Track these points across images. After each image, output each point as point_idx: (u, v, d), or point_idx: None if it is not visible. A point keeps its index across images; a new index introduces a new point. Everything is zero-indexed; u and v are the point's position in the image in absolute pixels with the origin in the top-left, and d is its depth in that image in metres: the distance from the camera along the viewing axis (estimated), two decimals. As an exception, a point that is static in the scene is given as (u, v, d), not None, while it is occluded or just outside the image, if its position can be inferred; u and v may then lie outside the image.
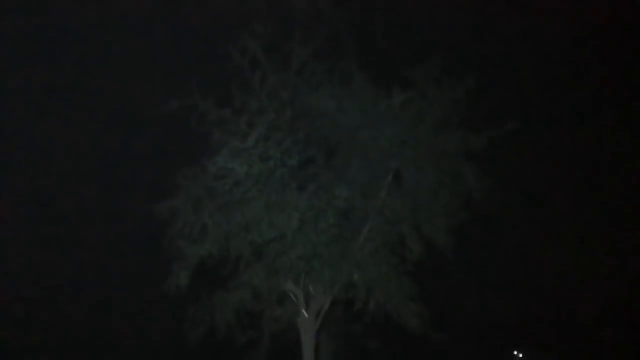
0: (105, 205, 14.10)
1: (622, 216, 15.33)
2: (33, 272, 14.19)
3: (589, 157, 15.27)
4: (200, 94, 8.87)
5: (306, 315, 9.47)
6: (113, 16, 13.06)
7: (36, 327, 14.34)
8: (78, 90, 13.61)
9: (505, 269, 15.25)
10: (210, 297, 9.42)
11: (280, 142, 8.77)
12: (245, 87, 9.09)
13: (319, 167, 9.34)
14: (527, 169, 14.31)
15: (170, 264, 9.09)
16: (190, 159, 9.06)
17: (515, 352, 18.30)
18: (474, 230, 10.35)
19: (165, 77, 12.33)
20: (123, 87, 13.34)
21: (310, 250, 8.85)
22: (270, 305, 9.43)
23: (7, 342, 13.77)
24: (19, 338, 13.98)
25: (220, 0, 10.54)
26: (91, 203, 14.24)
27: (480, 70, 9.57)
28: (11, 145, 13.59)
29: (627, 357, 15.83)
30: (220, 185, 8.85)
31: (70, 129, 13.92)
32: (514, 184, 12.87)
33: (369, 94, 9.26)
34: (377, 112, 9.12)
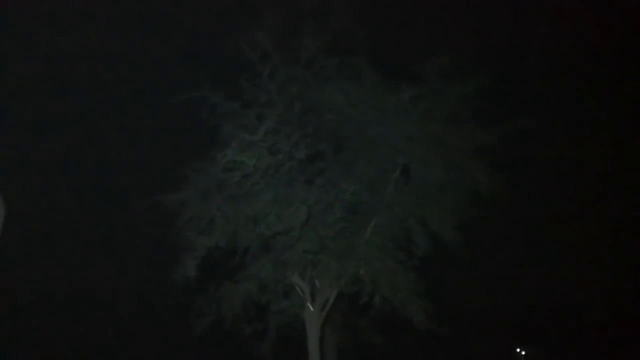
0: (115, 196, 14.22)
1: (631, 215, 15.24)
2: (41, 265, 14.34)
3: (598, 156, 15.18)
4: (211, 87, 8.88)
5: (312, 308, 9.51)
6: (127, 8, 13.10)
7: (43, 318, 14.49)
8: (91, 82, 13.69)
9: (511, 266, 15.24)
10: (217, 288, 9.47)
11: (289, 135, 8.78)
12: (255, 80, 9.10)
13: (327, 161, 9.36)
14: (535, 167, 14.26)
15: (179, 255, 9.15)
16: (199, 151, 9.10)
17: (519, 350, 18.31)
18: (481, 227, 10.35)
19: (176, 69, 12.39)
20: (135, 78, 13.40)
21: (317, 244, 8.88)
22: (277, 298, 9.47)
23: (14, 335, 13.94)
24: (27, 333, 14.14)
25: (231, -7, 10.51)
26: (102, 194, 14.35)
27: (491, 66, 9.54)
28: (18, 136, 13.70)
29: (630, 355, 15.79)
30: (229, 178, 8.88)
31: (82, 121, 14.02)
32: (522, 181, 12.84)
33: (378, 88, 9.24)
34: (386, 107, 9.11)
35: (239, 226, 8.97)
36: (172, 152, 12.01)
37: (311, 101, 9.35)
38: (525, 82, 13.56)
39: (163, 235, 9.60)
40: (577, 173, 15.13)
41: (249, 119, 8.87)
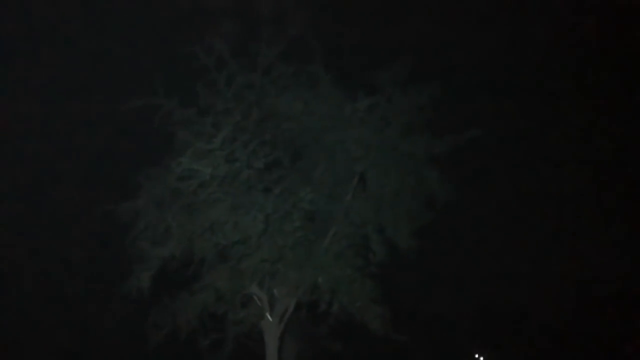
0: (67, 205, 13.74)
1: (583, 216, 15.81)
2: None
3: (550, 162, 15.72)
4: (165, 93, 8.73)
5: (270, 318, 9.43)
6: (78, 13, 12.76)
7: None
8: (41, 89, 13.23)
9: (466, 271, 15.55)
10: (172, 299, 9.28)
11: (246, 143, 8.71)
12: (211, 87, 9.00)
13: (285, 169, 9.33)
14: (488, 174, 14.64)
15: (132, 266, 8.91)
16: (154, 159, 8.92)
17: (477, 355, 18.64)
18: (436, 233, 10.54)
19: (129, 75, 12.11)
20: (87, 84, 13.05)
21: (275, 253, 8.82)
22: (234, 308, 9.34)
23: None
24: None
25: (188, -1, 10.41)
26: (53, 203, 13.86)
27: (445, 76, 9.77)
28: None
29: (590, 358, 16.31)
30: (185, 187, 8.72)
31: (31, 127, 13.52)
32: (475, 188, 13.16)
33: (335, 97, 9.33)
34: (343, 116, 9.19)
35: (195, 236, 8.82)
36: (125, 159, 11.70)
37: (268, 109, 9.33)
38: (479, 91, 13.96)
39: (117, 246, 9.34)
40: (529, 180, 15.63)
41: (205, 126, 8.75)
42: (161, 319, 9.25)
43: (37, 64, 13.24)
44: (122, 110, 8.75)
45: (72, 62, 13.33)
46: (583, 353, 16.59)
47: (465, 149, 9.47)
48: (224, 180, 8.75)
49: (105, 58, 12.96)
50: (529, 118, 15.16)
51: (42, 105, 13.51)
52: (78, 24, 13.06)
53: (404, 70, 9.30)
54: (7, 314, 13.84)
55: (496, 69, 14.18)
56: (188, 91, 8.86)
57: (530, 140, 15.27)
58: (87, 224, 11.58)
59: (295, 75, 9.34)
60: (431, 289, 15.17)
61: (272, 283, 9.37)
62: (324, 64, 9.38)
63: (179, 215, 8.85)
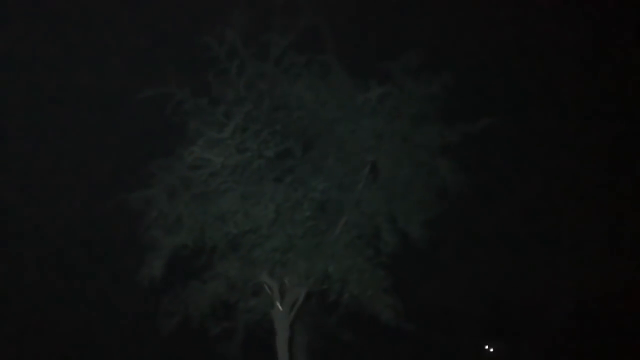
0: (79, 193, 13.88)
1: (597, 212, 15.66)
2: (6, 264, 13.93)
3: (565, 153, 15.56)
4: (177, 83, 8.74)
5: (280, 307, 9.47)
6: (88, 3, 12.79)
7: (8, 320, 14.09)
8: (51, 77, 13.31)
9: (478, 262, 15.49)
10: (184, 288, 9.36)
11: (257, 133, 8.70)
12: (222, 76, 8.99)
13: (296, 159, 9.32)
14: (502, 164, 14.53)
15: (145, 254, 8.98)
16: (165, 149, 8.95)
17: (487, 347, 18.61)
18: (448, 224, 10.50)
19: (141, 64, 12.14)
20: (98, 74, 13.10)
21: (286, 242, 8.84)
22: (245, 297, 9.40)
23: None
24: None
25: (199, -13, 10.38)
26: (65, 192, 13.99)
27: (458, 65, 9.68)
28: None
29: (599, 352, 16.21)
30: (196, 176, 8.76)
31: (42, 118, 13.63)
32: (488, 178, 13.06)
33: (347, 86, 9.28)
34: (354, 105, 9.14)
35: (207, 225, 8.86)
36: (137, 149, 11.76)
37: (280, 99, 9.32)
38: (493, 80, 13.81)
39: (129, 234, 9.42)
40: (544, 171, 15.48)
41: (217, 116, 8.75)
42: (173, 307, 9.35)
43: (45, 54, 13.31)
44: (135, 100, 8.77)
45: (84, 53, 13.40)
46: (593, 346, 16.48)
47: (478, 138, 9.39)
48: (235, 169, 8.77)
49: (117, 48, 13.00)
50: (542, 107, 15.00)
51: (54, 94, 13.60)
52: (90, 14, 13.09)
53: (416, 59, 9.22)
54: (20, 301, 14.05)
55: (509, 57, 14.02)
56: (200, 81, 8.86)
57: (544, 130, 15.10)
58: (99, 212, 11.67)
59: (307, 64, 9.30)
60: (442, 280, 15.14)
61: (282, 272, 9.39)
62: (335, 53, 9.35)
63: (191, 204, 8.89)
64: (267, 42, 9.12)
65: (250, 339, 9.99)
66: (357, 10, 12.02)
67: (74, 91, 13.53)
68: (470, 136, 9.35)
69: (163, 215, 8.99)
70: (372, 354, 15.09)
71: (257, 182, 8.90)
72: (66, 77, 13.40)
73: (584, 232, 15.60)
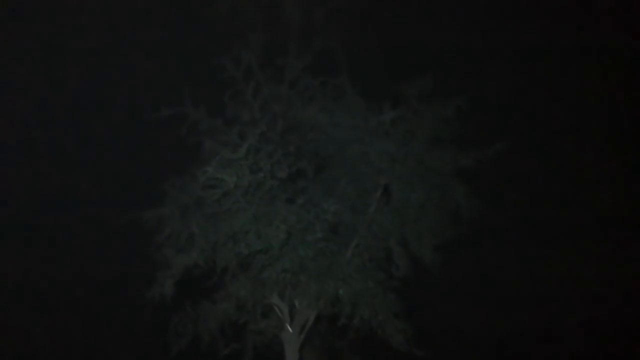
0: (93, 211, 14.00)
1: (613, 235, 15.43)
2: (16, 280, 14.02)
3: (578, 177, 15.41)
4: (193, 103, 8.88)
5: (290, 329, 9.42)
6: (106, 23, 13.09)
7: (16, 337, 14.12)
8: (70, 96, 13.57)
9: (491, 287, 15.28)
10: (194, 307, 9.36)
11: (271, 154, 8.77)
12: (238, 98, 9.13)
13: (308, 180, 9.36)
14: (515, 189, 14.42)
15: (156, 272, 9.02)
16: (179, 168, 9.05)
17: (500, 373, 18.21)
18: (461, 248, 10.40)
19: (157, 85, 12.34)
20: (115, 93, 13.33)
21: (297, 264, 8.82)
22: (255, 318, 9.36)
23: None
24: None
25: (216, 10, 10.59)
26: (78, 208, 14.13)
27: (472, 89, 9.70)
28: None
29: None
30: (209, 195, 8.81)
31: (59, 134, 13.85)
32: (502, 203, 12.96)
33: (360, 109, 9.34)
34: (368, 128, 9.19)
35: (218, 244, 8.89)
36: (151, 167, 11.89)
37: (294, 120, 9.42)
38: (507, 104, 13.80)
39: (141, 252, 9.46)
40: (557, 195, 15.34)
41: (231, 136, 8.87)
42: (183, 327, 9.33)
43: (65, 72, 13.58)
44: (151, 119, 8.91)
45: (101, 72, 13.66)
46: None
47: (492, 162, 9.36)
48: (247, 190, 8.81)
49: (134, 68, 13.23)
50: (558, 131, 14.92)
51: (70, 114, 13.84)
52: (108, 34, 13.38)
53: (429, 82, 9.27)
54: (30, 319, 14.09)
55: (525, 81, 14.02)
56: (215, 101, 8.99)
57: (560, 154, 15.00)
58: (112, 230, 11.76)
59: (321, 86, 9.40)
60: (454, 305, 14.93)
61: (293, 294, 9.36)
62: (349, 76, 9.43)
63: (203, 223, 8.95)
64: (282, 65, 9.25)
65: (260, 361, 9.91)
66: (371, 34, 12.15)
67: (90, 109, 13.77)
68: (484, 160, 9.31)
69: (175, 234, 9.05)
70: (382, 379, 14.85)
71: (269, 203, 8.93)
72: (83, 95, 13.66)
73: (600, 258, 15.35)
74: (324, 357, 12.31)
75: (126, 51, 13.15)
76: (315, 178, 9.43)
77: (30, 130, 13.76)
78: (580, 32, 14.44)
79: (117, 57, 13.38)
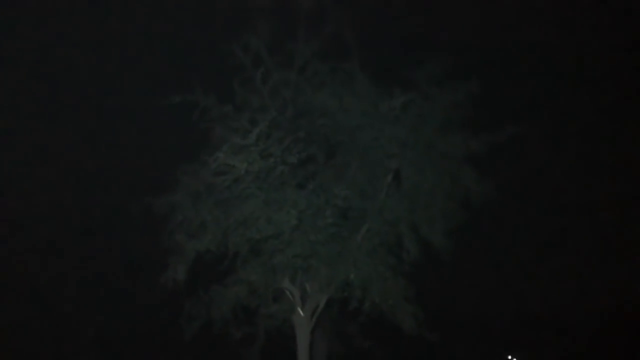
0: (104, 198, 14.13)
1: (623, 220, 15.33)
2: (29, 267, 14.23)
3: (589, 162, 15.28)
4: (203, 90, 8.89)
5: (302, 313, 9.49)
6: (117, 10, 13.08)
7: (31, 321, 14.38)
8: (79, 84, 13.63)
9: (501, 272, 15.29)
10: (206, 292, 9.45)
11: (281, 140, 8.78)
12: (247, 84, 9.12)
13: (318, 165, 9.38)
14: (526, 173, 14.33)
15: (168, 258, 9.11)
16: (190, 155, 9.08)
17: (510, 357, 18.31)
18: (471, 233, 10.39)
19: (167, 72, 12.35)
20: (125, 81, 13.36)
21: (308, 248, 8.87)
22: (266, 302, 9.45)
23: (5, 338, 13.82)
24: (15, 334, 14.02)
25: (225, -4, 10.55)
26: (90, 197, 14.27)
27: (483, 73, 9.61)
28: (9, 140, 13.62)
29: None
30: (220, 182, 8.86)
31: (71, 122, 13.95)
32: (512, 188, 12.89)
33: (370, 94, 9.29)
34: (378, 113, 9.15)
35: (230, 230, 8.96)
36: (163, 154, 11.96)
37: (304, 106, 9.40)
38: (518, 88, 13.66)
39: (153, 239, 9.56)
40: (569, 180, 15.23)
41: (241, 122, 8.87)
42: (195, 311, 9.44)
43: (75, 60, 13.63)
44: (161, 106, 8.93)
45: (111, 60, 13.69)
46: (618, 356, 16.09)
47: (503, 147, 9.29)
48: (258, 175, 8.84)
49: (145, 56, 13.25)
50: (570, 115, 14.76)
51: (82, 101, 13.91)
52: (119, 22, 13.38)
53: (440, 66, 9.18)
54: (45, 305, 14.31)
55: (536, 64, 13.85)
56: (225, 88, 8.99)
57: (572, 138, 14.87)
58: (125, 216, 11.88)
59: (330, 72, 9.36)
60: (464, 289, 14.97)
61: (304, 278, 9.44)
62: (359, 61, 9.36)
63: (214, 209, 9.00)
64: (291, 51, 9.21)
65: (271, 345, 10.02)
66: (380, 18, 12.04)
67: (101, 97, 13.83)
68: (495, 145, 9.25)
69: (187, 220, 9.12)
70: (392, 362, 14.97)
71: (279, 188, 8.96)
72: (93, 83, 13.70)
73: (613, 241, 15.27)
74: (336, 340, 12.45)
75: (136, 39, 13.15)
76: (326, 163, 9.45)
77: (40, 118, 13.86)
78: (595, 17, 14.21)
79: (127, 45, 13.40)
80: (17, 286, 14.00)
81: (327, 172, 9.34)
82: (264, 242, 8.93)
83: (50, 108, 13.89)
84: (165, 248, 9.14)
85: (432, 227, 9.33)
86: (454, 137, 9.27)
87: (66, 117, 13.94)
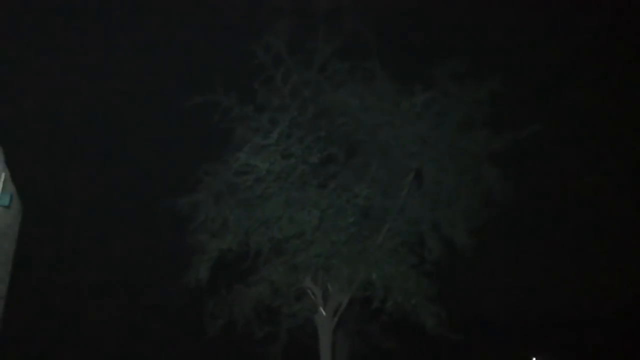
0: (129, 198, 14.33)
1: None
2: (56, 264, 14.48)
3: (612, 160, 14.99)
4: (224, 90, 8.94)
5: (323, 312, 9.47)
6: (142, 12, 13.24)
7: (58, 320, 14.62)
8: (104, 86, 13.85)
9: (524, 271, 15.07)
10: (229, 291, 9.50)
11: (301, 139, 8.79)
12: (268, 84, 9.14)
13: (339, 165, 9.35)
14: (548, 171, 14.11)
15: (192, 257, 9.19)
16: (212, 155, 9.16)
17: (534, 358, 18.04)
18: (493, 231, 10.26)
19: (189, 73, 12.48)
20: (148, 82, 13.53)
21: (329, 248, 8.85)
22: (288, 301, 9.46)
23: (32, 333, 14.08)
24: (43, 331, 14.28)
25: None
26: (115, 196, 14.49)
27: (504, 70, 9.49)
28: (37, 138, 13.89)
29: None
30: (242, 181, 8.90)
31: (95, 124, 14.17)
32: (534, 186, 12.71)
33: (391, 92, 9.23)
34: (399, 111, 9.08)
35: (251, 229, 8.99)
36: (185, 155, 12.10)
37: (324, 105, 9.37)
38: (539, 86, 13.47)
39: (177, 238, 9.65)
40: (590, 179, 14.95)
41: (262, 122, 8.90)
42: (218, 310, 9.49)
43: (97, 63, 13.84)
44: (183, 107, 9.01)
45: (136, 63, 13.87)
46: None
47: (525, 145, 9.16)
48: (279, 175, 8.86)
49: (167, 58, 13.40)
50: (591, 113, 14.50)
51: (105, 103, 14.12)
52: (141, 24, 13.54)
53: (461, 64, 9.08)
54: (71, 303, 14.55)
55: (559, 63, 13.63)
56: (246, 88, 9.03)
57: (593, 136, 14.60)
58: (149, 215, 12.03)
59: (351, 71, 9.33)
60: (487, 289, 14.79)
61: (326, 278, 9.41)
62: (380, 59, 9.31)
63: (236, 209, 9.04)
64: (311, 50, 9.21)
65: (293, 344, 10.03)
66: (401, 16, 11.97)
67: (125, 99, 14.03)
68: (517, 143, 9.12)
69: (209, 219, 9.17)
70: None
71: (301, 188, 8.97)
72: (116, 85, 13.90)
73: (635, 242, 14.94)
74: (358, 339, 12.41)
75: (157, 41, 13.32)
76: (347, 163, 9.41)
77: (63, 121, 14.11)
78: (617, 15, 13.93)
79: (150, 48, 13.57)
80: (40, 286, 14.27)
81: (348, 172, 9.30)
82: (286, 241, 8.94)
83: (76, 109, 14.14)
84: (188, 247, 9.21)
85: (454, 225, 9.23)
86: (476, 135, 9.15)
87: (89, 119, 14.18)
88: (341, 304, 9.58)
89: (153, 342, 14.79)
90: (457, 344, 9.46)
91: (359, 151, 9.56)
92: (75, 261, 14.53)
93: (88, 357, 14.56)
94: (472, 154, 9.25)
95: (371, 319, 10.90)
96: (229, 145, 9.01)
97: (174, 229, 9.80)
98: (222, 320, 9.52)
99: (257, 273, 9.25)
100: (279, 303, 9.44)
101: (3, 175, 9.32)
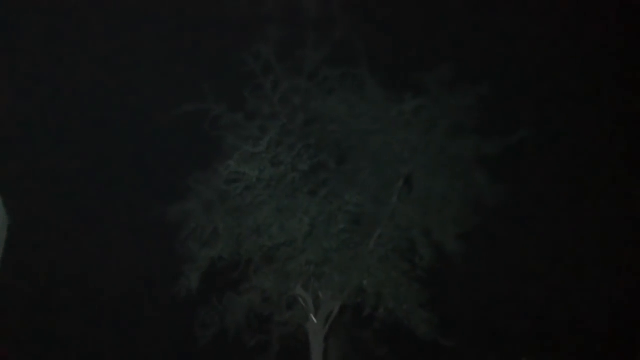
0: (118, 207, 14.24)
1: (637, 223, 15.14)
2: (43, 274, 14.35)
3: (602, 165, 15.13)
4: (214, 98, 8.94)
5: (315, 320, 9.46)
6: (128, 20, 13.23)
7: (46, 331, 14.48)
8: (92, 94, 13.79)
9: (515, 276, 15.14)
10: (220, 300, 9.47)
11: (292, 146, 8.81)
12: (258, 92, 9.16)
13: (330, 172, 9.38)
14: (538, 176, 14.21)
15: (182, 266, 9.15)
16: (202, 163, 9.14)
17: (525, 361, 18.09)
18: (484, 237, 10.30)
19: (179, 81, 12.45)
20: (137, 90, 13.48)
21: (321, 255, 8.85)
22: (280, 309, 9.44)
23: (17, 342, 13.94)
24: (32, 341, 14.13)
25: (234, 5, 10.61)
26: (104, 205, 14.39)
27: (493, 76, 9.56)
28: (23, 146, 13.80)
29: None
30: (232, 189, 8.90)
31: (84, 131, 14.10)
32: (525, 191, 12.79)
33: (381, 99, 9.29)
34: (389, 118, 9.14)
35: (242, 237, 8.99)
36: (175, 163, 12.04)
37: (314, 112, 9.42)
38: (528, 91, 13.57)
39: (167, 247, 9.60)
40: (581, 183, 15.07)
41: (252, 130, 8.94)
42: (209, 319, 9.45)
43: (87, 71, 13.79)
44: (172, 115, 9.00)
45: (123, 70, 13.82)
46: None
47: (515, 150, 9.23)
48: (269, 183, 8.87)
49: (156, 65, 13.37)
50: (581, 118, 14.64)
51: (94, 111, 14.06)
52: (131, 32, 13.52)
53: (450, 70, 9.16)
54: (59, 314, 14.41)
55: (548, 67, 13.76)
56: (236, 96, 9.04)
57: (583, 141, 14.73)
58: (139, 224, 11.97)
59: (340, 78, 9.37)
60: (479, 294, 14.83)
61: (317, 285, 9.40)
62: (369, 66, 9.37)
63: (227, 217, 9.03)
64: (301, 57, 9.24)
65: (285, 352, 9.99)
66: (389, 23, 12.04)
67: (114, 107, 13.97)
68: (507, 148, 9.19)
69: (200, 228, 9.16)
70: (407, 368, 14.87)
71: (291, 196, 8.98)
72: (105, 92, 13.85)
73: (628, 245, 15.07)
74: (350, 347, 12.39)
75: (147, 48, 13.29)
76: (337, 170, 9.44)
77: (51, 128, 14.02)
78: (608, 18, 14.10)
79: (139, 55, 13.54)
80: (30, 293, 14.13)
81: (338, 179, 9.33)
82: (277, 249, 8.94)
83: (64, 116, 14.05)
84: (178, 256, 9.17)
85: (445, 231, 9.26)
86: (466, 141, 9.22)
87: (78, 127, 14.10)
88: (333, 311, 9.58)
89: (143, 352, 14.67)
90: (450, 348, 9.48)
91: (349, 158, 9.60)
92: (63, 270, 14.40)
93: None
94: (462, 160, 9.31)
95: (363, 326, 10.88)
96: (219, 154, 9.00)
97: (164, 238, 9.74)
98: (214, 329, 9.48)
99: (248, 281, 9.24)
100: (271, 311, 9.42)
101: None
